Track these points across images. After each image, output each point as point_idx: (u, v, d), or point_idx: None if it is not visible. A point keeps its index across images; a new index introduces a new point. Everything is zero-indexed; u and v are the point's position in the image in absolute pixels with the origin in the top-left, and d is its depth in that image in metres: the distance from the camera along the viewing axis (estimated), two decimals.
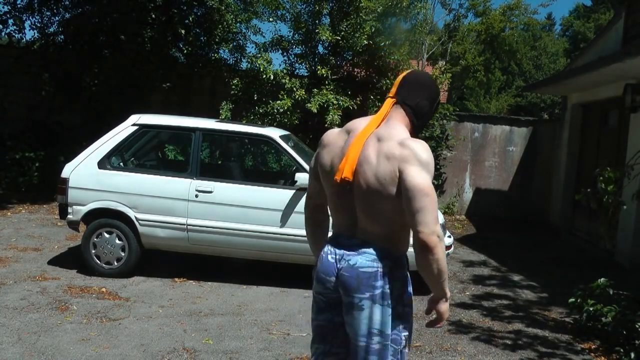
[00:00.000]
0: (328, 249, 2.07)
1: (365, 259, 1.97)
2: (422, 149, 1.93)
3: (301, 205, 5.12)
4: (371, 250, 1.98)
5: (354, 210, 2.01)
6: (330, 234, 2.18)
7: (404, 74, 2.15)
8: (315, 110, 8.36)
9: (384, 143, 1.95)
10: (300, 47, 9.52)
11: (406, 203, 1.88)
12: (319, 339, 2.15)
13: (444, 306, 2.03)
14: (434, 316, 2.08)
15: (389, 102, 2.08)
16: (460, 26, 17.73)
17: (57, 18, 10.88)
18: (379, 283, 1.96)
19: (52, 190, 7.39)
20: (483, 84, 25.17)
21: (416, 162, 1.89)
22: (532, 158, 11.19)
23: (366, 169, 1.93)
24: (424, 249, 1.89)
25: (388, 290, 1.97)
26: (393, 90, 2.12)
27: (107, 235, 5.34)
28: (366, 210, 1.98)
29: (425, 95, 2.10)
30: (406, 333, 2.03)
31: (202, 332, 4.15)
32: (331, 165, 2.03)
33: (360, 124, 2.06)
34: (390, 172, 1.90)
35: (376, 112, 2.14)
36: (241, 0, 11.25)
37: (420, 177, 1.87)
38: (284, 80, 8.72)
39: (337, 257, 2.02)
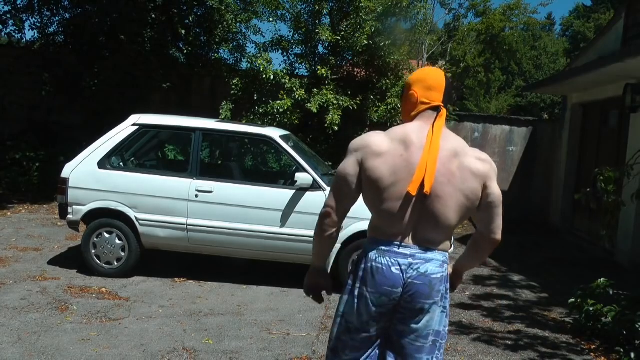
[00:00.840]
0: (387, 260, 2.02)
1: (434, 266, 2.03)
2: (492, 161, 2.15)
3: (301, 205, 5.12)
4: (437, 256, 2.05)
5: (418, 220, 2.03)
6: (373, 243, 2.09)
7: (441, 78, 2.14)
8: (315, 110, 8.36)
9: (463, 158, 2.04)
10: (300, 47, 9.52)
11: (487, 212, 2.12)
12: (363, 346, 2.11)
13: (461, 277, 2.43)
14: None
15: (444, 112, 2.11)
16: (460, 26, 17.72)
17: (57, 18, 10.89)
18: (442, 287, 2.06)
19: (52, 190, 7.39)
20: (483, 84, 25.18)
21: (495, 176, 2.12)
22: (532, 158, 11.19)
23: (451, 184, 2.01)
24: (492, 248, 2.19)
25: (445, 292, 2.08)
26: (440, 97, 2.12)
27: (107, 235, 5.34)
28: (434, 220, 2.02)
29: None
30: (448, 327, 2.16)
31: (202, 332, 4.15)
32: (394, 177, 2.00)
33: (415, 134, 2.05)
34: (477, 188, 2.05)
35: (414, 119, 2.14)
36: (241, 0, 11.25)
37: (499, 189, 2.15)
38: (284, 80, 8.71)
39: (403, 267, 2.01)
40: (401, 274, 2.00)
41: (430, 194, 1.98)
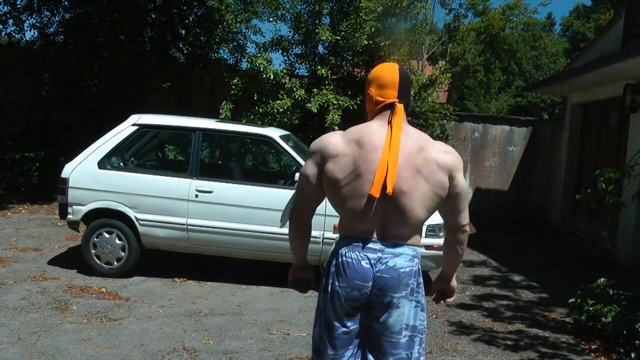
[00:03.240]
0: (357, 254, 2.05)
1: (403, 260, 2.06)
2: (457, 153, 2.15)
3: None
4: (406, 251, 2.07)
5: (384, 216, 2.05)
6: (343, 240, 2.12)
7: (394, 74, 2.14)
8: (315, 110, 8.35)
9: (428, 151, 2.05)
10: (300, 47, 9.52)
11: (453, 204, 2.12)
12: (344, 344, 2.12)
13: (455, 281, 2.41)
14: (433, 296, 2.39)
15: (401, 108, 2.11)
16: (460, 26, 17.73)
17: (57, 18, 10.89)
18: (412, 280, 2.07)
19: (52, 190, 7.39)
20: (483, 84, 25.17)
21: (461, 167, 2.11)
22: (532, 158, 11.19)
23: (416, 178, 2.02)
24: (466, 237, 2.21)
25: (416, 287, 2.09)
26: (394, 94, 2.13)
27: (107, 235, 5.34)
28: (401, 216, 2.04)
29: (410, 90, 2.21)
30: (426, 321, 2.17)
31: (202, 332, 4.15)
32: (351, 176, 2.03)
33: (372, 134, 2.07)
34: (444, 180, 2.05)
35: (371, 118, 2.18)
36: (241, 0, 11.25)
37: (464, 180, 2.15)
38: (284, 80, 8.71)
39: (372, 261, 2.04)
40: (371, 268, 2.03)
41: (395, 191, 1.99)
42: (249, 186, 5.38)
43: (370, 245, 2.05)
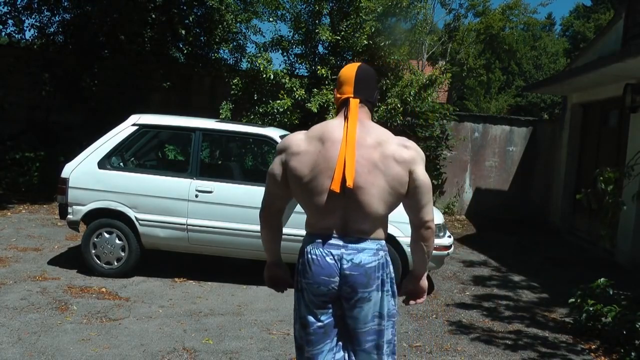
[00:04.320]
0: (320, 251, 2.08)
1: (367, 255, 2.08)
2: (418, 148, 2.15)
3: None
4: (369, 245, 2.09)
5: (345, 212, 2.07)
6: (307, 237, 2.17)
7: (351, 71, 2.19)
8: (315, 110, 8.36)
9: (385, 147, 2.07)
10: (300, 47, 9.52)
11: (414, 198, 2.11)
12: (321, 339, 2.16)
13: (426, 281, 2.33)
14: (403, 297, 2.36)
15: (355, 103, 2.13)
16: (460, 26, 17.73)
17: (57, 18, 10.89)
18: (380, 273, 2.11)
19: (52, 190, 7.40)
20: (483, 84, 25.18)
21: (421, 162, 2.12)
22: (532, 158, 11.19)
23: (373, 173, 2.03)
24: (431, 234, 2.18)
25: (386, 277, 2.13)
26: (350, 89, 2.17)
27: (107, 235, 5.34)
28: (361, 210, 2.06)
29: (375, 86, 2.26)
30: (397, 305, 2.23)
31: (202, 332, 4.15)
32: (313, 173, 2.07)
33: (333, 130, 2.10)
34: (402, 174, 2.06)
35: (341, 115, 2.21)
36: (241, 0, 11.25)
37: (426, 175, 2.13)
38: (284, 80, 8.71)
39: (336, 257, 2.07)
40: (336, 263, 2.07)
41: (353, 186, 2.01)
42: (249, 186, 5.37)
43: (332, 241, 2.08)
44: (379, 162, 2.04)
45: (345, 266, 2.06)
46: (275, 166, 2.18)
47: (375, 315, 2.11)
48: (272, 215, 2.28)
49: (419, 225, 2.16)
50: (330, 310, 2.13)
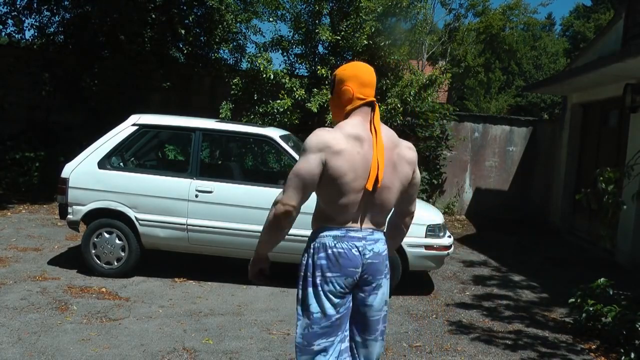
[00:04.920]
0: (347, 244, 2.18)
1: (382, 244, 2.27)
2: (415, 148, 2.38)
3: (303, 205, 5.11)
4: (381, 236, 2.28)
5: (366, 206, 2.21)
6: (325, 230, 2.22)
7: (372, 74, 2.29)
8: (316, 110, 8.36)
9: (399, 149, 2.26)
10: (300, 47, 9.52)
11: (410, 192, 2.35)
12: (334, 331, 2.23)
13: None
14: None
15: (377, 107, 2.28)
16: (460, 26, 17.73)
17: (57, 18, 10.89)
18: (387, 261, 2.32)
19: (52, 190, 7.40)
20: (483, 84, 25.18)
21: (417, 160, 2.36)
22: (532, 158, 11.19)
23: (394, 174, 2.22)
24: (411, 222, 2.50)
25: (388, 264, 2.33)
26: (372, 93, 2.28)
27: (107, 235, 5.34)
28: (381, 206, 2.24)
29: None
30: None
31: (202, 332, 4.15)
32: (353, 172, 2.14)
33: (365, 131, 2.19)
34: (409, 173, 2.29)
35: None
36: (241, 0, 11.25)
37: (418, 172, 2.39)
38: (284, 80, 8.71)
39: (360, 249, 2.20)
40: (360, 255, 2.19)
41: (381, 185, 2.18)
42: (249, 186, 5.37)
43: (354, 234, 2.20)
44: (396, 162, 2.22)
45: (367, 256, 2.20)
46: (314, 165, 2.13)
47: (385, 302, 2.30)
48: (294, 214, 2.20)
49: (407, 214, 2.43)
50: (347, 302, 2.24)
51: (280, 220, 2.19)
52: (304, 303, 2.23)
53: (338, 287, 2.18)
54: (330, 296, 2.18)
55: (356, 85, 2.24)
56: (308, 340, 2.21)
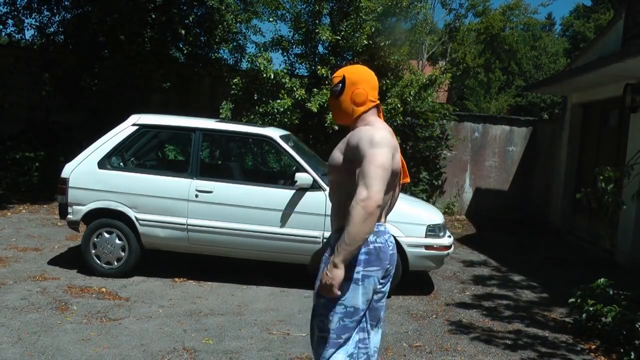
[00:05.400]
0: (384, 238, 2.30)
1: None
2: None
3: (301, 205, 5.13)
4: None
5: (389, 201, 2.38)
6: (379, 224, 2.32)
7: (375, 77, 2.41)
8: (316, 110, 8.36)
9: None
10: (300, 47, 9.52)
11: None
12: (353, 328, 2.30)
13: None
14: None
15: (381, 109, 2.43)
16: (461, 26, 17.72)
17: (57, 18, 10.89)
18: None
19: (52, 190, 7.40)
20: (483, 84, 25.18)
21: None
22: (532, 158, 11.19)
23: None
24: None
25: None
26: (377, 95, 2.40)
27: (107, 235, 5.34)
28: (393, 200, 2.43)
29: None
30: None
31: (202, 332, 4.15)
32: (397, 168, 2.31)
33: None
34: None
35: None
36: (241, 0, 11.25)
37: None
38: (284, 80, 8.71)
39: (390, 242, 2.35)
40: (390, 248, 2.33)
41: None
42: (249, 186, 5.37)
43: (383, 228, 2.32)
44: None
45: (391, 247, 2.34)
46: (389, 158, 2.18)
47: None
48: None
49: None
50: (373, 294, 2.32)
51: (375, 216, 2.07)
52: (340, 298, 2.23)
53: (375, 282, 2.25)
54: (367, 291, 2.24)
55: (369, 88, 2.34)
56: (339, 333, 2.26)
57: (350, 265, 2.19)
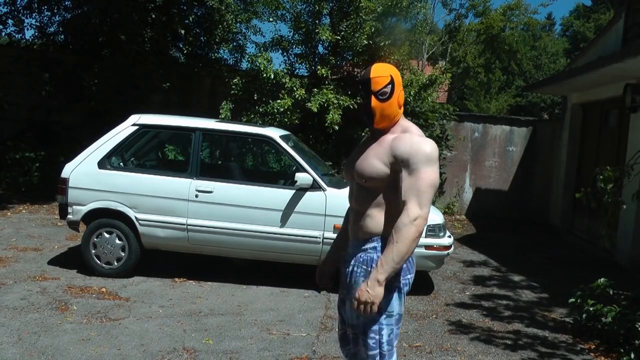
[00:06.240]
0: None
1: None
2: None
3: (301, 205, 5.13)
4: None
5: None
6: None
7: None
8: (316, 110, 8.35)
9: None
10: (300, 47, 9.52)
11: None
12: None
13: None
14: None
15: None
16: (461, 26, 17.73)
17: (57, 18, 10.90)
18: None
19: (52, 190, 7.37)
20: (483, 84, 25.19)
21: None
22: (532, 158, 11.19)
23: None
24: None
25: None
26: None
27: (107, 235, 5.34)
28: None
29: None
30: None
31: (202, 332, 4.15)
32: None
33: None
34: None
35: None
36: (241, 0, 11.25)
37: None
38: (284, 80, 8.71)
39: None
40: None
41: None
42: (249, 186, 5.37)
43: None
44: None
45: None
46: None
47: None
48: None
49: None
50: None
51: (420, 232, 2.06)
52: (391, 311, 2.20)
53: (409, 287, 2.26)
54: (404, 296, 2.25)
55: (399, 90, 2.22)
56: (392, 344, 2.23)
57: (395, 275, 2.15)
